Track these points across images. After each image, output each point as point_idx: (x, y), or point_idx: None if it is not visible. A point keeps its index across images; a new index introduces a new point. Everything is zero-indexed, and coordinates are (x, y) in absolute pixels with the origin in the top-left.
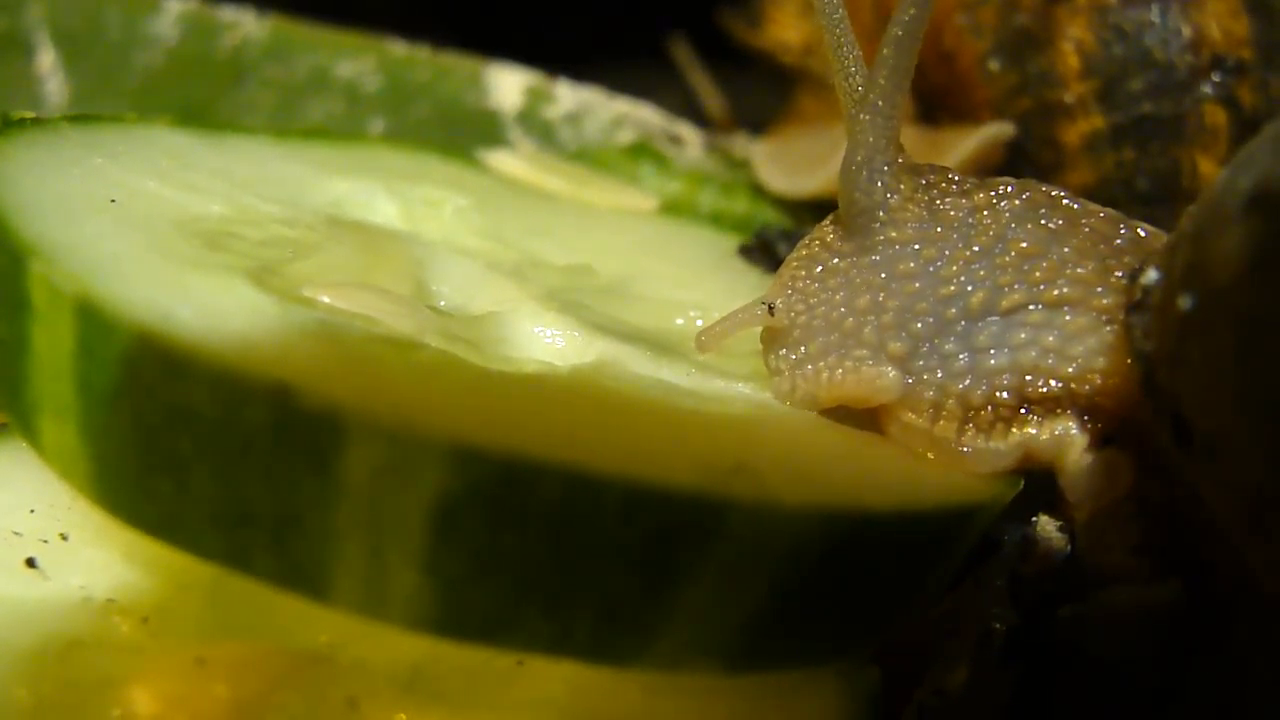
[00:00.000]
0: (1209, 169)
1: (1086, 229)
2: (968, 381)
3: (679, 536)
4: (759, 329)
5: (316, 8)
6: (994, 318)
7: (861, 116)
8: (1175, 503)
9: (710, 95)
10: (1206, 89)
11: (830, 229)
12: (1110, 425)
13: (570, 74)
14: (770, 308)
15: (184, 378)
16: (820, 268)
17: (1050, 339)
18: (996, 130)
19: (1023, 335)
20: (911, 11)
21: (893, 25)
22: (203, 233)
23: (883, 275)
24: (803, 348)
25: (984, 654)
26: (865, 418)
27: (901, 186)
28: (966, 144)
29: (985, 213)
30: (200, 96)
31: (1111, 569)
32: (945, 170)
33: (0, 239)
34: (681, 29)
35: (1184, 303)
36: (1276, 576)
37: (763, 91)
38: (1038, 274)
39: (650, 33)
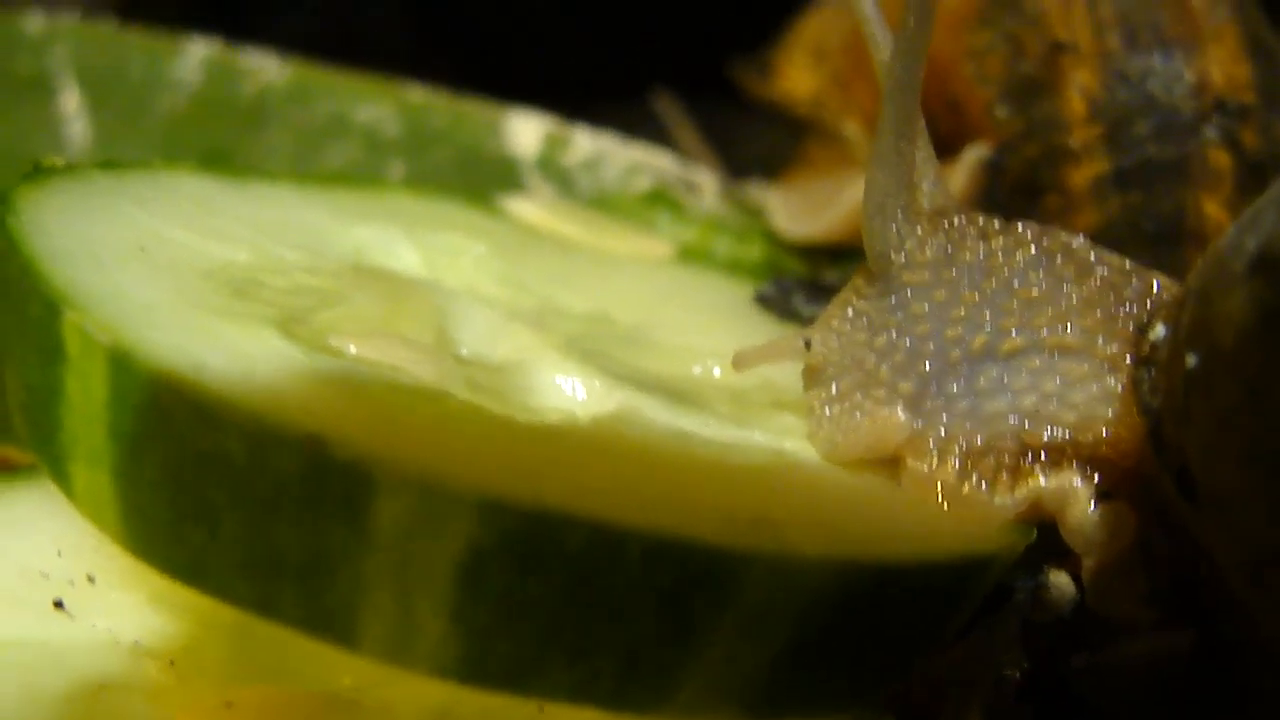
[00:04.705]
0: (1214, 210)
1: (1098, 279)
2: (969, 425)
3: (700, 587)
4: (793, 365)
5: (331, 48)
6: (995, 361)
7: (872, 167)
8: (1182, 553)
9: (695, 146)
10: (1210, 132)
11: (860, 275)
12: (1114, 477)
13: (591, 115)
14: (808, 343)
15: (216, 427)
16: (851, 310)
17: (1051, 385)
18: (974, 156)
19: (1024, 379)
20: (901, 66)
21: (887, 80)
22: (230, 281)
23: (899, 315)
24: (833, 386)
25: (997, 701)
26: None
27: (918, 230)
28: (956, 179)
29: (1000, 256)
30: (222, 140)
31: (1122, 618)
32: (973, 214)
33: (34, 287)
34: (699, 72)
35: (1190, 360)
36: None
37: (777, 136)
38: (1040, 320)
39: (668, 74)
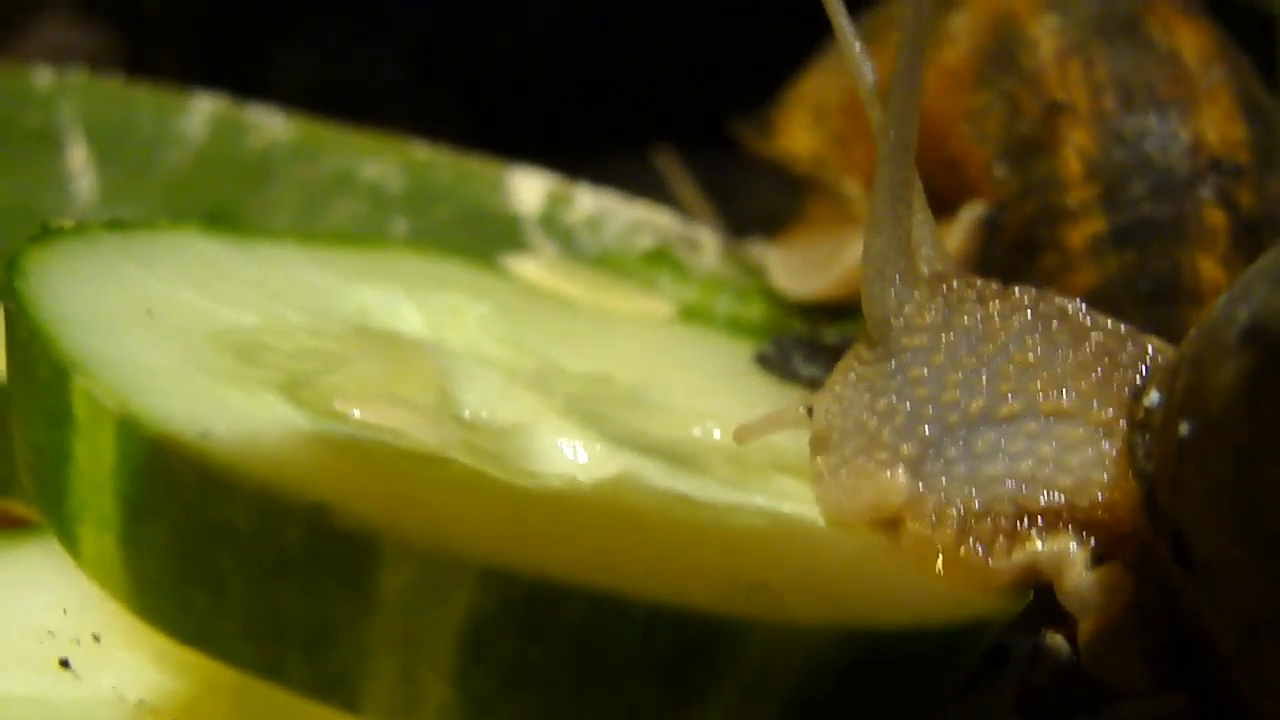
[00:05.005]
0: (1209, 269)
1: (1092, 344)
2: (968, 490)
3: (700, 654)
4: (791, 434)
5: (334, 101)
6: (992, 425)
7: (869, 233)
8: (1177, 616)
9: (695, 201)
10: (1205, 191)
11: (862, 342)
12: (1109, 541)
13: (592, 167)
14: (809, 410)
15: (222, 495)
16: (853, 375)
17: (1047, 449)
18: (972, 215)
19: (1020, 444)
20: (894, 132)
21: (880, 145)
22: (236, 344)
23: (898, 379)
24: (838, 451)
25: None
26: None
27: (916, 294)
28: (953, 241)
29: (997, 321)
30: (227, 195)
31: (1117, 680)
32: (970, 278)
33: (43, 351)
34: (699, 126)
35: (1183, 429)
36: (1265, 699)
37: (778, 191)
38: (1036, 384)
39: (669, 127)
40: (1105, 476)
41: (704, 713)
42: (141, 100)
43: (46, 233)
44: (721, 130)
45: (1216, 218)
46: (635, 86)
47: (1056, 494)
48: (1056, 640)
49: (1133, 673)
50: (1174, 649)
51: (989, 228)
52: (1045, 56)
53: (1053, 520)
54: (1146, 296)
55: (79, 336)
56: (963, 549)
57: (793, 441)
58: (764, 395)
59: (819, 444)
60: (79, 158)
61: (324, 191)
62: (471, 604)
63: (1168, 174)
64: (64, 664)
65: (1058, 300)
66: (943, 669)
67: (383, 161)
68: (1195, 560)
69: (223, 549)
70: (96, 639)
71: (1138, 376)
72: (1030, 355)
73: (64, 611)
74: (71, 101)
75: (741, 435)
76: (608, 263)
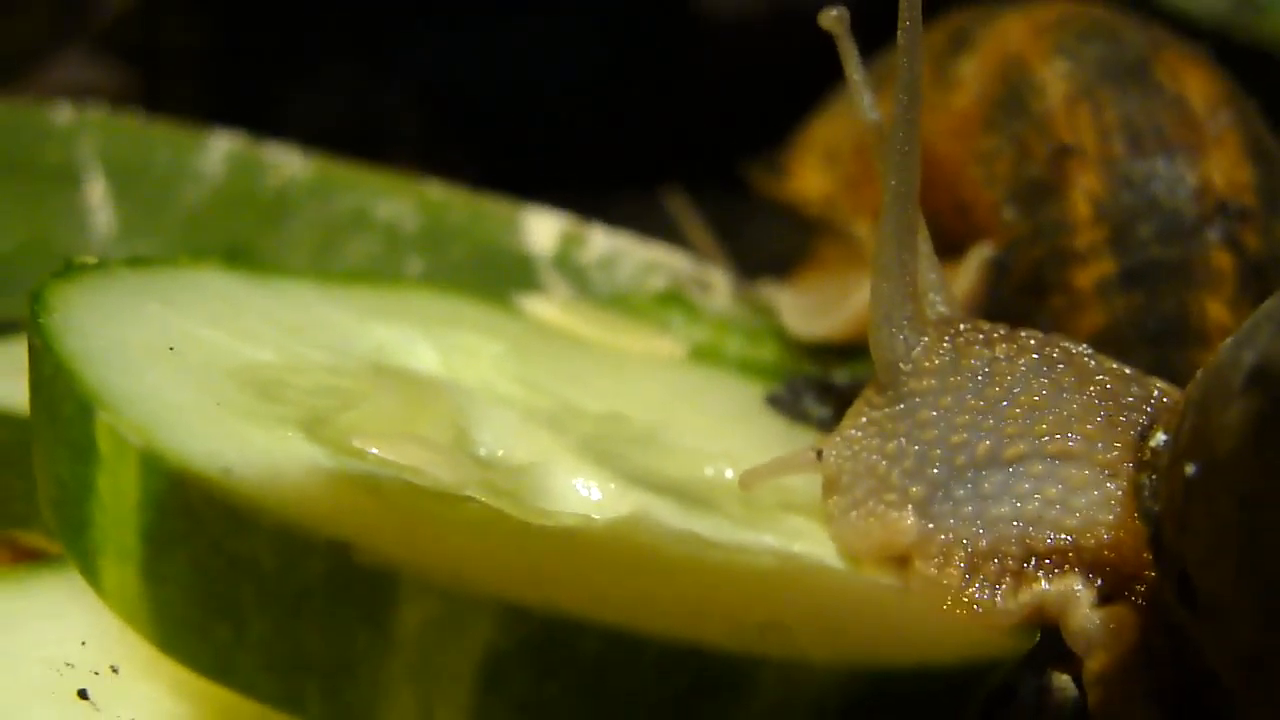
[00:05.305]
0: (1216, 311)
1: (1097, 385)
2: (975, 529)
3: (713, 692)
4: (800, 475)
5: (348, 140)
6: (999, 467)
7: (876, 278)
8: (1183, 655)
9: (706, 243)
10: (1212, 234)
11: (871, 387)
12: (1115, 580)
13: (604, 207)
14: (819, 453)
15: (244, 531)
16: (864, 419)
17: (1053, 490)
18: (979, 258)
19: (1026, 485)
20: (896, 178)
21: (884, 192)
22: (256, 381)
23: (907, 423)
24: (850, 493)
25: None
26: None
27: (925, 339)
28: (962, 283)
29: (1003, 363)
30: (244, 232)
31: (1123, 718)
32: (977, 321)
33: (68, 387)
34: (710, 167)
35: (1189, 469)
36: None
37: (788, 232)
38: (1042, 426)
39: (679, 168)
40: (1111, 517)
41: None
42: (160, 137)
43: (70, 269)
44: (731, 171)
45: (1223, 260)
46: (646, 128)
47: (1063, 534)
48: (1063, 680)
49: (1138, 712)
50: (1179, 688)
51: (997, 269)
52: (1054, 101)
53: (1059, 560)
54: (1154, 338)
55: (103, 372)
56: (970, 589)
57: (803, 482)
58: (775, 436)
59: (830, 486)
60: (97, 193)
61: (340, 230)
62: (488, 640)
63: (1175, 217)
64: (83, 695)
65: (1063, 343)
66: (951, 708)
67: (398, 201)
68: (1200, 599)
69: (244, 583)
70: (115, 670)
71: (1143, 418)
72: (1036, 398)
73: (83, 643)
74: (90, 138)
75: (747, 480)
76: (620, 303)
